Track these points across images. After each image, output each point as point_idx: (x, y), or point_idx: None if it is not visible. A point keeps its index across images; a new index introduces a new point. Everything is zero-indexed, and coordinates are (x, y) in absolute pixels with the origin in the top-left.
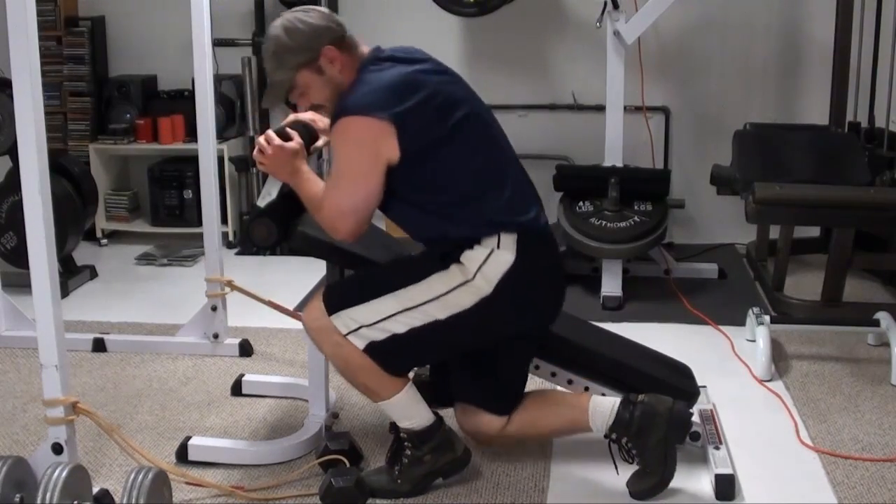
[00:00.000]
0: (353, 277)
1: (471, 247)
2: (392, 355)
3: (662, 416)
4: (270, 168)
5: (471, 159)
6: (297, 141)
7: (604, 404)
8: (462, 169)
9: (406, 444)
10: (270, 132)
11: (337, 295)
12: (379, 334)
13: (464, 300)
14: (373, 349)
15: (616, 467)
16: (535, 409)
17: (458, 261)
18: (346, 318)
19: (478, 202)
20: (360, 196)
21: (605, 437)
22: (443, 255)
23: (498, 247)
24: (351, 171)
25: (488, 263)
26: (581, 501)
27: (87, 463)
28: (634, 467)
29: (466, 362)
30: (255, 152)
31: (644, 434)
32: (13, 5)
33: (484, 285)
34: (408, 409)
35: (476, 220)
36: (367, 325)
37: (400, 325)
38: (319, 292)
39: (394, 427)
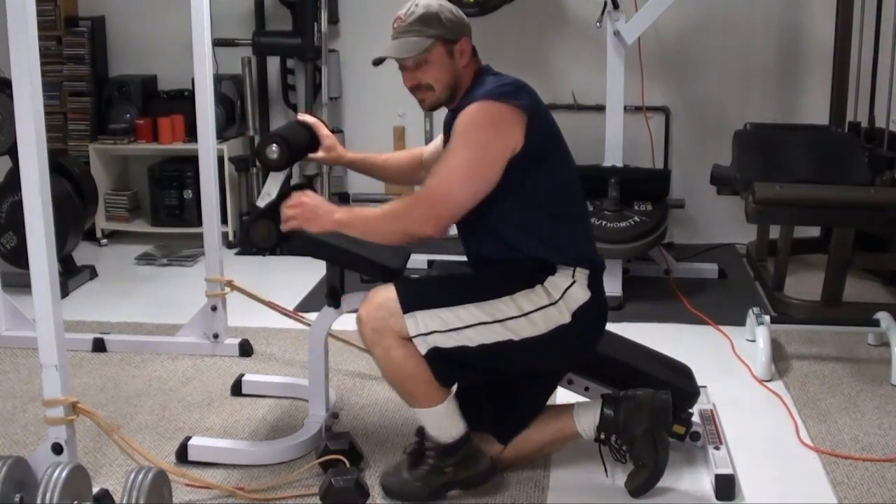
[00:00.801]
0: (430, 280)
1: (552, 272)
2: (450, 366)
3: (645, 407)
4: (307, 222)
5: (567, 182)
6: (307, 192)
7: (588, 407)
8: (561, 188)
9: (429, 453)
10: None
11: (414, 294)
12: (449, 342)
13: (543, 324)
14: (434, 356)
15: (606, 470)
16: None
17: (542, 283)
18: (421, 320)
19: (566, 228)
20: (476, 181)
21: (595, 440)
22: (529, 274)
23: (572, 277)
24: (476, 155)
25: (569, 292)
26: (581, 501)
27: (87, 463)
28: (628, 468)
29: (490, 387)
30: (287, 220)
31: (630, 428)
32: (13, 5)
33: (565, 312)
34: (443, 421)
35: (560, 246)
36: (440, 331)
37: (474, 338)
38: (384, 288)
39: (421, 432)
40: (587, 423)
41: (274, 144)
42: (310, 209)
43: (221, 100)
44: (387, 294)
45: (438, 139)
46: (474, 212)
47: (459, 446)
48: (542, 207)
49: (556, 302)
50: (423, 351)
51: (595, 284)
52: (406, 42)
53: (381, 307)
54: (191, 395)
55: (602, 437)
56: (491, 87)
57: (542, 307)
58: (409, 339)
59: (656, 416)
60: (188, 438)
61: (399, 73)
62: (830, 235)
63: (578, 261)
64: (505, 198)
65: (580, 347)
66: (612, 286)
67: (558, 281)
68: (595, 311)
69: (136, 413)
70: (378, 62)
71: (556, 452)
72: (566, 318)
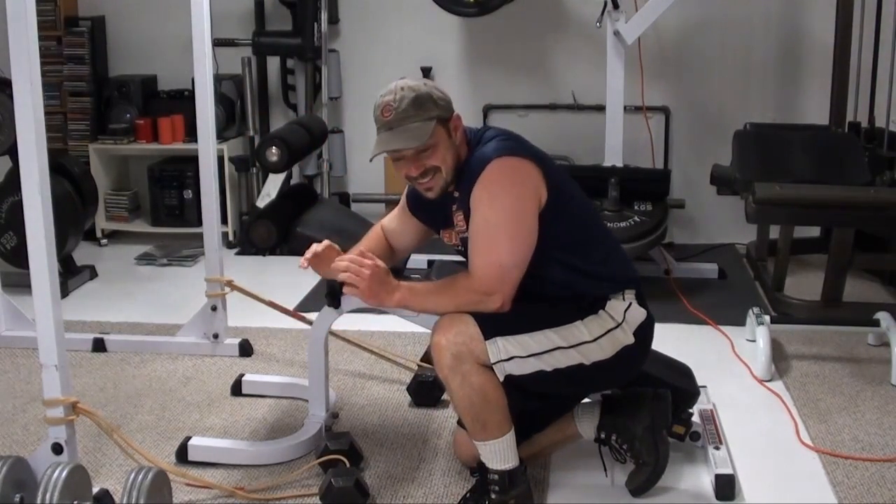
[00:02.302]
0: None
1: (607, 300)
2: (521, 392)
3: (645, 405)
4: (367, 293)
5: (589, 211)
6: (373, 259)
7: (587, 408)
8: (587, 220)
9: (493, 487)
10: (352, 256)
11: (493, 321)
12: (527, 368)
13: (611, 347)
14: (509, 382)
15: (605, 470)
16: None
17: (605, 308)
18: (502, 346)
19: (604, 256)
20: (522, 245)
21: (595, 440)
22: (590, 303)
23: (624, 299)
24: (511, 217)
25: (629, 313)
26: (581, 501)
27: (87, 463)
28: (627, 468)
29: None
30: (347, 283)
31: (631, 427)
32: (13, 5)
33: (629, 333)
34: (508, 451)
35: (606, 276)
36: (521, 356)
37: (551, 362)
38: (459, 315)
39: (480, 469)
40: (587, 423)
41: (274, 147)
42: (375, 282)
43: (221, 100)
44: (465, 320)
45: (396, 214)
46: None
47: (521, 474)
48: (578, 245)
49: (621, 324)
50: (501, 378)
51: (643, 301)
52: (407, 130)
53: (461, 333)
54: (191, 395)
55: (602, 436)
56: (494, 146)
57: (609, 330)
58: (489, 365)
59: (656, 414)
60: (188, 438)
61: (399, 74)
62: (830, 235)
63: (625, 283)
64: (547, 247)
65: (639, 363)
66: None
67: (615, 305)
68: (650, 326)
69: (136, 413)
70: (375, 156)
71: (556, 452)
72: (630, 339)
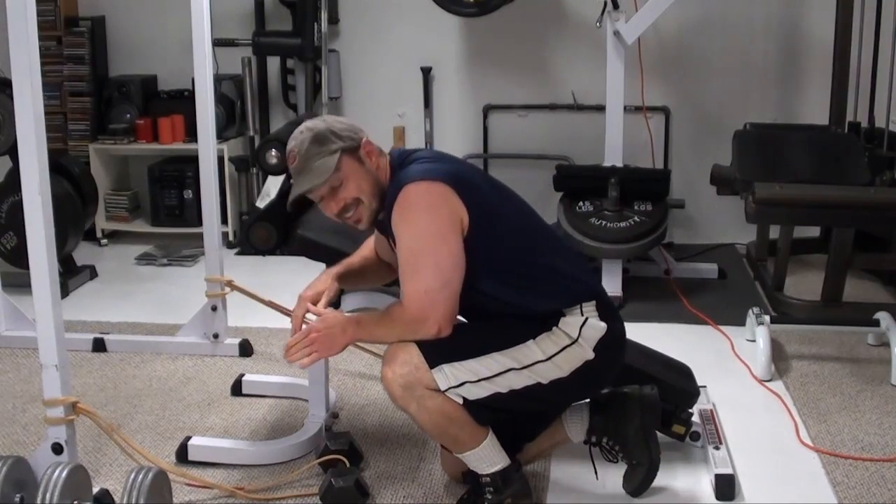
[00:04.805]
0: (450, 333)
1: (561, 316)
2: (486, 409)
3: (635, 405)
4: (329, 349)
5: (530, 225)
6: (321, 318)
7: (576, 411)
8: (528, 234)
9: (488, 489)
10: (303, 298)
11: (438, 348)
12: (481, 392)
13: (568, 365)
14: (469, 404)
15: (595, 471)
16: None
17: (558, 325)
18: (450, 373)
19: (552, 271)
20: (446, 266)
21: (585, 442)
22: (541, 321)
23: (582, 314)
24: (429, 241)
25: (585, 328)
26: (581, 502)
27: (87, 463)
28: (619, 469)
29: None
30: (310, 354)
31: (622, 427)
32: (13, 5)
33: (587, 349)
34: (493, 453)
35: (556, 291)
36: (471, 382)
37: (504, 384)
38: (402, 346)
39: (470, 475)
40: (576, 427)
41: (273, 150)
42: (325, 338)
43: (221, 100)
44: (408, 350)
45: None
46: (465, 286)
47: (514, 473)
48: (517, 263)
49: (577, 340)
50: (458, 402)
51: (605, 312)
52: (312, 170)
53: (406, 363)
54: (191, 395)
55: (593, 439)
56: (412, 169)
57: (565, 347)
58: (440, 391)
59: (646, 412)
60: (188, 438)
61: (399, 74)
62: (830, 235)
63: (581, 297)
64: (482, 268)
65: (606, 377)
66: (612, 286)
67: (570, 320)
68: (614, 339)
69: (136, 413)
70: (294, 204)
71: (554, 452)
72: (589, 354)
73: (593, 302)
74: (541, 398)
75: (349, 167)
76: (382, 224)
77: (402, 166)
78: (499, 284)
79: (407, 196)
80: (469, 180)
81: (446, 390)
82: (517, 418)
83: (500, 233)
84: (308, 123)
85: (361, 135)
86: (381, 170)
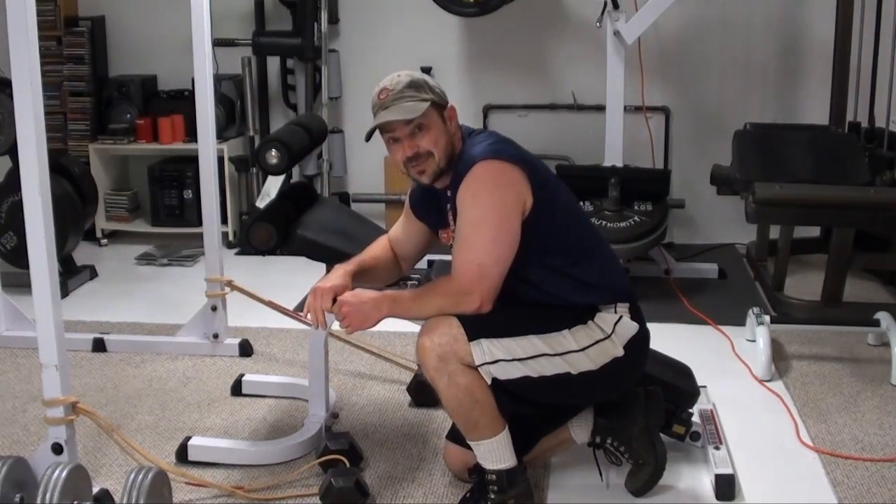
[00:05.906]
0: (491, 311)
1: (597, 311)
2: (511, 396)
3: (638, 405)
4: (361, 323)
5: (580, 217)
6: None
7: (580, 413)
8: (578, 227)
9: (492, 487)
10: (324, 291)
11: (479, 323)
12: (513, 372)
13: (599, 358)
14: (498, 387)
15: (601, 474)
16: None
17: (593, 319)
18: (487, 348)
19: (596, 266)
20: (503, 246)
21: (590, 444)
22: (578, 314)
23: (616, 312)
24: (492, 218)
25: (620, 326)
26: (580, 502)
27: (87, 463)
28: (622, 470)
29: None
30: (345, 327)
31: (626, 428)
32: (13, 5)
33: (618, 345)
34: (504, 448)
35: (597, 286)
36: (505, 360)
37: (536, 368)
38: (444, 317)
39: (476, 470)
40: (581, 428)
41: (274, 149)
42: (357, 312)
43: (221, 100)
44: (449, 322)
45: (400, 221)
46: (510, 270)
47: (520, 473)
48: (567, 253)
49: (610, 336)
50: (488, 380)
51: (636, 315)
52: (402, 106)
53: (445, 334)
54: (191, 395)
55: (597, 440)
56: (481, 147)
57: (598, 341)
58: (474, 367)
59: (651, 413)
60: (188, 438)
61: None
62: (830, 235)
63: (618, 296)
64: (534, 253)
65: (630, 378)
66: None
67: (605, 316)
68: (642, 340)
69: (136, 413)
70: (370, 135)
71: (555, 453)
72: (619, 351)
73: (627, 304)
74: (567, 390)
75: (433, 120)
76: (444, 197)
77: (473, 142)
78: (546, 272)
79: (478, 172)
80: (536, 166)
81: (480, 365)
82: (531, 417)
83: (558, 222)
84: (406, 71)
85: (448, 100)
86: (457, 136)
